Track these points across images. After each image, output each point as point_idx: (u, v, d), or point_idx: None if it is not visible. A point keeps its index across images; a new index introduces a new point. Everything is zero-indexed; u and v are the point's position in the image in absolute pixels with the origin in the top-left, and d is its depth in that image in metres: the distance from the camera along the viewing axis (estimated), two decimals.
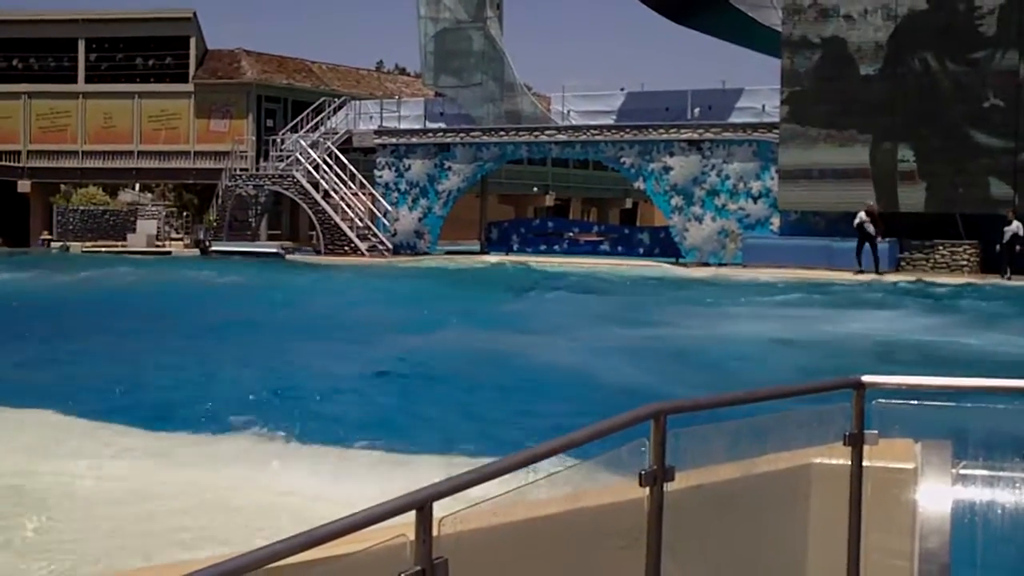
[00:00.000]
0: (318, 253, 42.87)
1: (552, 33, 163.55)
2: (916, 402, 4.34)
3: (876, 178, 34.45)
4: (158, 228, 48.52)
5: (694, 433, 3.67)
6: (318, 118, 45.54)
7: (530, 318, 23.36)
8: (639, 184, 39.73)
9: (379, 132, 43.63)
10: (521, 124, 41.01)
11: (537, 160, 50.68)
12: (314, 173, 43.23)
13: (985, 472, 4.21)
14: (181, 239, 49.62)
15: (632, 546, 3.50)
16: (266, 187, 45.05)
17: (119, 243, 47.33)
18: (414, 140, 42.90)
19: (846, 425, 4.27)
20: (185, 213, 52.43)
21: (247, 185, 45.37)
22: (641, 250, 40.61)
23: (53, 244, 48.58)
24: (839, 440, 4.28)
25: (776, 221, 36.62)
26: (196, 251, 45.07)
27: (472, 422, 12.62)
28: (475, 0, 41.85)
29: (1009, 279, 31.14)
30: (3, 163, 51.98)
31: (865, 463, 4.28)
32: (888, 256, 33.83)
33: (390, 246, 42.25)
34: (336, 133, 44.60)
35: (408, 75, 70.22)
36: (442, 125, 42.74)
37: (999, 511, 4.15)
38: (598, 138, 39.64)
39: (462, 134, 41.91)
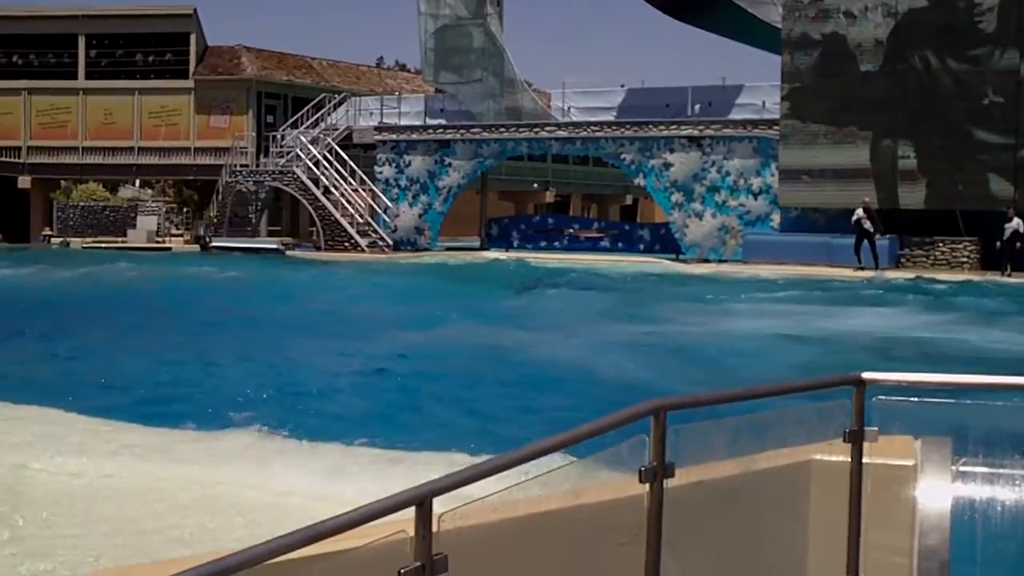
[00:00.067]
0: (318, 249, 42.86)
1: (552, 29, 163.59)
2: (916, 399, 4.35)
3: (876, 175, 34.46)
4: (158, 224, 48.53)
5: (694, 429, 3.67)
6: (318, 114, 45.53)
7: (531, 315, 23.36)
8: (639, 180, 39.72)
9: (379, 128, 43.62)
10: (521, 120, 41.01)
11: (537, 156, 50.66)
12: (314, 169, 43.22)
13: (985, 469, 4.21)
14: (181, 235, 49.65)
15: (632, 542, 3.50)
16: (266, 183, 45.03)
17: (119, 239, 47.34)
18: (414, 136, 42.90)
19: (846, 422, 4.27)
20: (185, 209, 52.45)
21: (247, 181, 45.35)
22: (641, 246, 40.62)
23: (53, 240, 48.58)
24: (839, 437, 4.28)
25: (776, 217, 36.62)
26: (196, 247, 45.09)
27: (473, 418, 12.63)
28: None
29: (1009, 276, 31.14)
30: (3, 159, 51.98)
31: (865, 460, 4.28)
32: (888, 253, 33.85)
33: (390, 242, 42.25)
34: (336, 129, 44.58)
35: (408, 71, 70.19)
36: (442, 121, 42.73)
37: (999, 508, 4.15)
38: (598, 134, 39.64)
39: (462, 130, 41.89)
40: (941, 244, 34.07)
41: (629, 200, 64.62)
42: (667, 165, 38.25)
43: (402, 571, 2.62)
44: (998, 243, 32.34)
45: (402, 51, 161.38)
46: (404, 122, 43.59)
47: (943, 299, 26.39)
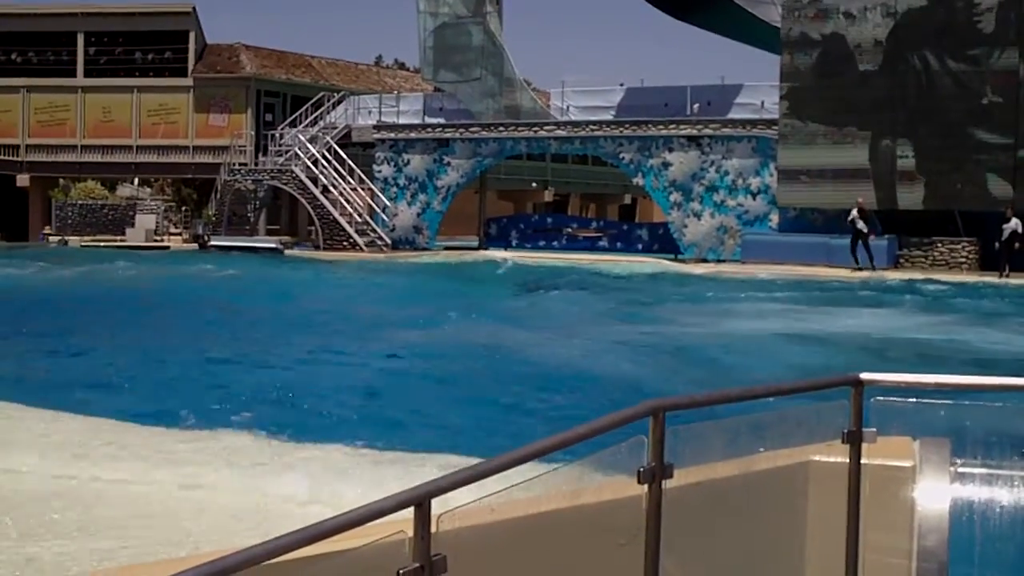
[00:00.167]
0: (317, 248, 42.85)
1: (551, 28, 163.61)
2: (915, 400, 4.34)
3: (875, 175, 34.47)
4: (157, 223, 48.52)
5: (693, 430, 3.67)
6: (317, 113, 45.52)
7: (531, 315, 23.37)
8: (638, 180, 39.72)
9: (378, 127, 43.62)
10: (520, 119, 41.01)
11: (536, 156, 50.68)
12: (313, 168, 43.20)
13: (983, 470, 4.21)
14: (180, 234, 49.63)
15: (631, 543, 3.50)
16: (265, 182, 45.02)
17: (118, 238, 47.34)
18: (413, 135, 42.89)
19: (844, 423, 4.27)
20: (184, 208, 52.46)
21: (246, 180, 45.34)
22: (640, 246, 40.62)
23: (51, 238, 48.58)
24: (837, 438, 4.27)
25: (775, 217, 36.63)
26: (195, 246, 45.07)
27: (471, 418, 12.63)
28: None
29: (1007, 277, 31.13)
30: (2, 157, 51.98)
31: (863, 461, 4.28)
32: (887, 253, 33.88)
33: (389, 241, 42.24)
34: (335, 128, 44.56)
35: (407, 70, 70.20)
36: (441, 120, 42.72)
37: (997, 509, 4.15)
38: (597, 134, 39.64)
39: (461, 129, 41.89)
40: (940, 245, 34.07)
41: (628, 200, 64.62)
42: (666, 164, 38.26)
43: (401, 572, 2.62)
44: (997, 244, 32.34)
45: (401, 50, 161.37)
46: (403, 121, 43.58)
47: (938, 300, 26.40)
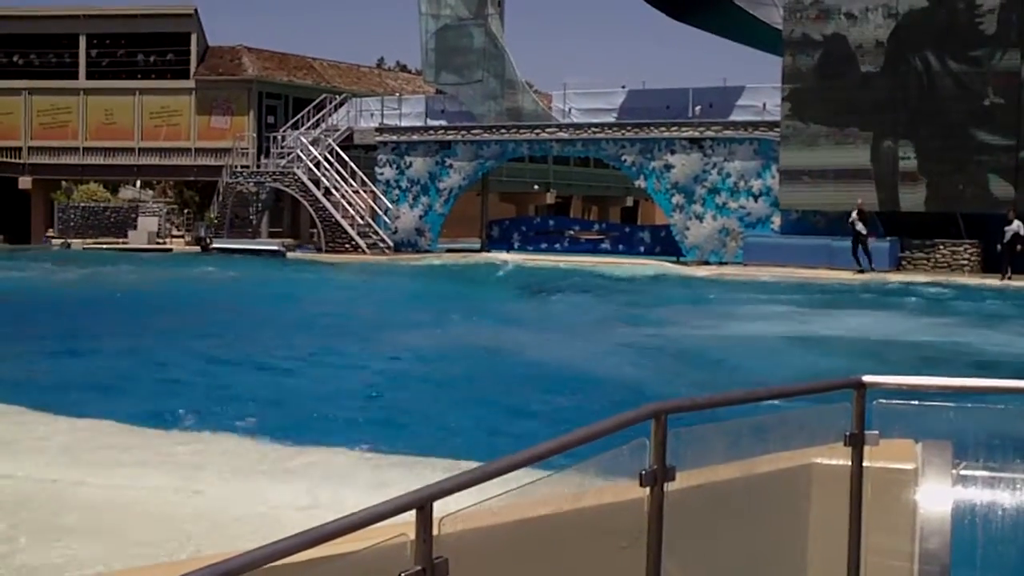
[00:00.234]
0: (319, 250, 42.86)
1: (553, 30, 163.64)
2: (917, 402, 4.34)
3: (877, 176, 34.46)
4: (159, 225, 48.51)
5: (695, 433, 3.67)
6: (319, 115, 45.54)
7: (533, 316, 23.38)
8: (640, 182, 39.72)
9: (380, 129, 43.62)
10: (522, 122, 41.00)
11: (538, 158, 50.67)
12: (315, 170, 43.22)
13: (986, 473, 4.20)
14: (182, 236, 49.63)
15: (633, 546, 3.50)
16: (267, 184, 45.03)
17: (120, 240, 47.35)
18: (415, 137, 42.90)
19: (847, 425, 4.27)
20: (186, 210, 52.45)
21: (248, 182, 45.36)
22: (642, 248, 40.61)
23: (54, 241, 48.59)
24: (840, 440, 4.27)
25: (777, 220, 36.62)
26: (197, 248, 45.08)
27: (474, 421, 12.62)
28: None
29: (1009, 279, 31.11)
30: (4, 159, 51.97)
31: (866, 463, 4.27)
32: (889, 255, 33.87)
33: (391, 244, 42.25)
34: (337, 130, 44.59)
35: (409, 72, 70.21)
36: (443, 122, 42.73)
37: (1000, 512, 4.15)
38: (599, 136, 39.63)
39: (463, 131, 41.90)
40: (942, 247, 34.05)
41: (630, 202, 64.62)
42: (668, 167, 38.25)
43: (403, 575, 2.61)
44: (999, 246, 32.31)
45: (403, 52, 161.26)
46: (405, 123, 43.59)
47: (939, 303, 26.38)
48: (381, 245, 42.06)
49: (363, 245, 41.82)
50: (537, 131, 40.66)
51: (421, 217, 42.71)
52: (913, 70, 34.07)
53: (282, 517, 7.97)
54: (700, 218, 37.74)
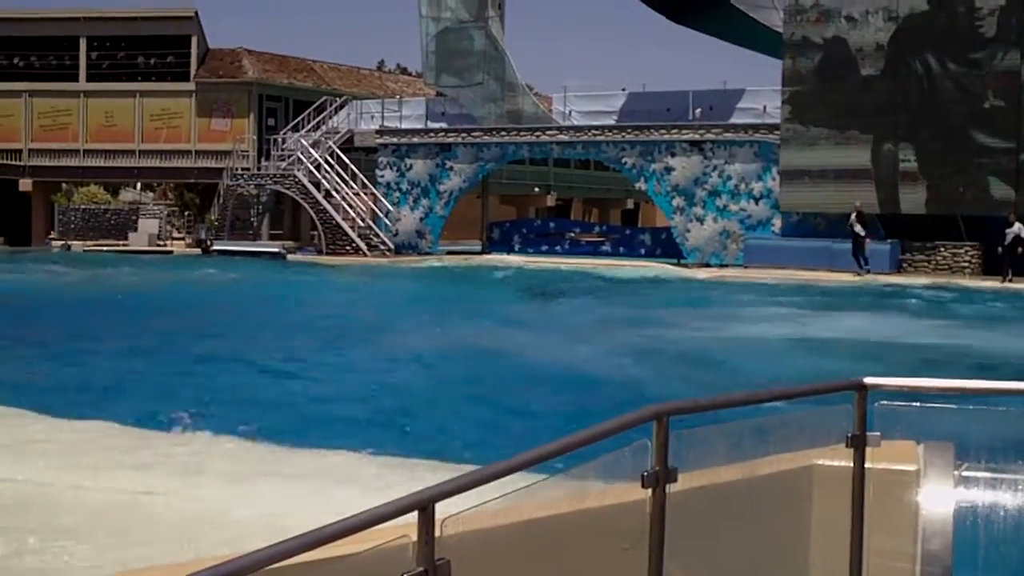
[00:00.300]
0: (319, 253, 42.87)
1: (553, 33, 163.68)
2: (918, 404, 4.34)
3: (877, 179, 34.47)
4: (160, 227, 48.53)
5: (697, 434, 3.67)
6: (319, 117, 45.55)
7: (534, 318, 23.37)
8: (640, 185, 39.73)
9: (380, 132, 43.64)
10: (522, 124, 41.01)
11: (539, 160, 50.69)
12: (315, 173, 43.23)
13: (987, 474, 4.20)
14: (182, 238, 49.62)
15: (634, 547, 3.49)
16: (267, 186, 45.05)
17: (120, 242, 47.35)
18: (415, 140, 42.92)
19: (848, 427, 4.26)
20: (187, 212, 52.43)
21: (248, 184, 45.37)
22: (642, 251, 40.63)
23: (54, 243, 48.58)
24: (841, 442, 4.27)
25: (777, 222, 36.62)
26: (197, 251, 45.08)
27: (475, 423, 12.62)
28: (476, 0, 41.87)
29: (1010, 281, 31.12)
30: (4, 162, 51.98)
31: (867, 465, 4.27)
32: (889, 258, 33.88)
33: (391, 246, 42.25)
34: (337, 132, 44.61)
35: (409, 75, 70.24)
36: (443, 125, 42.74)
37: (1001, 513, 4.14)
38: (599, 138, 39.64)
39: (463, 134, 41.91)
40: (942, 249, 34.05)
41: (631, 204, 64.61)
42: (668, 169, 38.26)
43: None
44: (999, 248, 32.32)
45: (403, 54, 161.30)
46: (405, 125, 43.61)
47: (940, 306, 26.39)
48: (382, 247, 42.07)
49: (364, 247, 41.83)
50: (537, 133, 40.67)
51: (422, 219, 42.72)
52: (913, 73, 34.08)
53: (282, 520, 7.96)
54: (701, 220, 37.75)
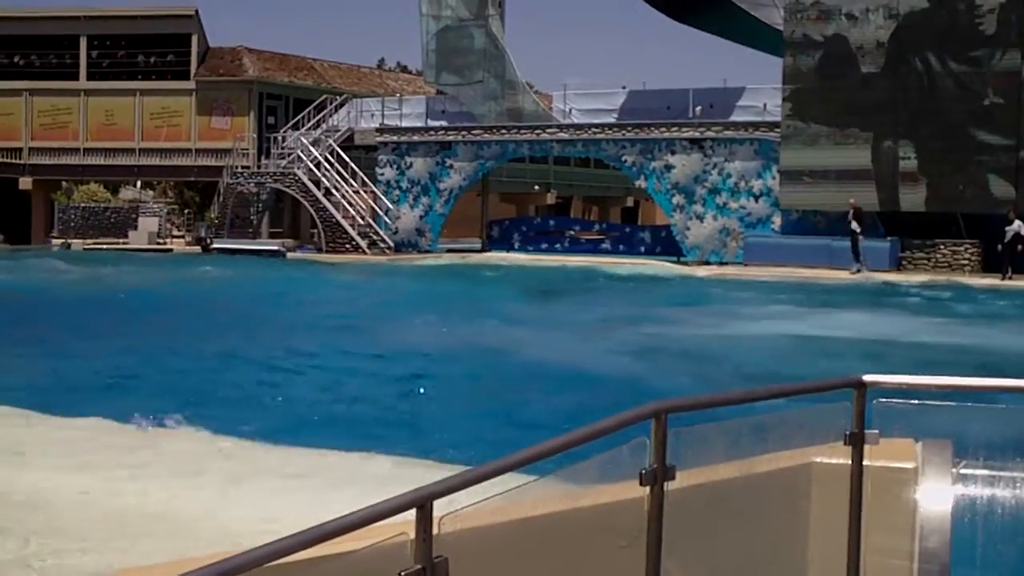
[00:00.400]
0: (319, 251, 42.87)
1: (554, 31, 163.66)
2: (917, 401, 4.34)
3: (877, 177, 34.48)
4: (159, 226, 48.51)
5: (695, 432, 3.67)
6: (320, 116, 45.55)
7: (534, 316, 23.37)
8: (641, 182, 39.73)
9: (380, 130, 43.64)
10: (522, 122, 41.01)
11: (539, 158, 50.66)
12: (315, 171, 43.23)
13: (986, 472, 4.20)
14: (182, 236, 49.62)
15: (632, 545, 3.49)
16: (267, 185, 45.05)
17: (120, 240, 47.34)
18: (415, 138, 42.91)
19: (847, 424, 4.27)
20: (187, 210, 52.44)
21: (248, 183, 45.36)
22: (642, 249, 40.64)
23: (54, 241, 48.56)
24: (840, 439, 4.27)
25: (777, 220, 36.63)
26: (197, 249, 45.07)
27: (472, 423, 12.62)
28: None
29: (1010, 279, 31.13)
30: (5, 160, 51.98)
31: (866, 462, 4.27)
32: (889, 255, 33.90)
33: (391, 244, 42.26)
34: (338, 131, 44.61)
35: (410, 73, 70.20)
36: (443, 123, 42.74)
37: (1000, 511, 4.14)
38: (600, 136, 39.64)
39: (463, 132, 41.91)
40: (942, 247, 34.07)
41: (630, 202, 64.60)
42: (668, 167, 38.26)
43: (402, 573, 2.61)
44: (999, 246, 32.33)
45: (403, 52, 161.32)
46: (405, 124, 43.61)
47: (940, 303, 26.40)
48: (381, 245, 42.07)
49: (363, 245, 41.83)
50: (537, 131, 40.67)
51: (421, 217, 42.72)
52: (913, 70, 34.09)
53: (280, 520, 7.96)
54: (700, 218, 37.75)
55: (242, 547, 2.35)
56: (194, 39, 51.24)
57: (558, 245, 41.83)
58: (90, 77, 51.96)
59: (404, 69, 79.48)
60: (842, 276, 32.16)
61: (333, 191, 42.79)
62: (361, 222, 42.63)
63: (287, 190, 44.55)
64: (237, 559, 2.28)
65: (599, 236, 42.64)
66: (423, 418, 12.83)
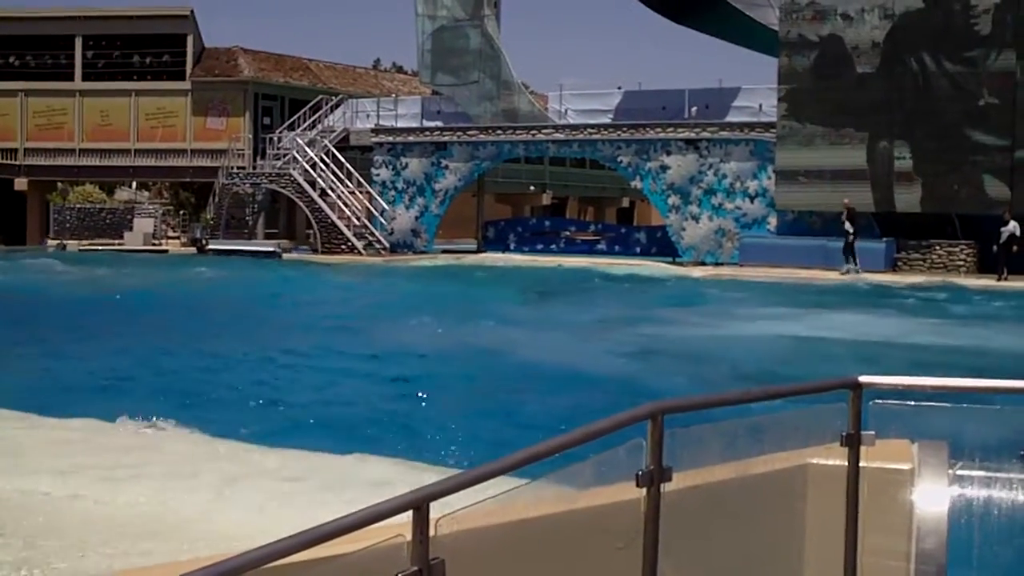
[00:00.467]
0: (315, 252, 42.85)
1: (549, 31, 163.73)
2: (913, 403, 4.34)
3: (873, 177, 34.50)
4: (155, 226, 48.45)
5: (691, 433, 3.67)
6: (315, 116, 45.52)
7: (530, 317, 23.37)
8: (636, 183, 39.74)
9: (376, 130, 43.62)
10: (518, 123, 41.01)
11: (534, 159, 50.65)
12: (311, 171, 43.20)
13: (982, 473, 4.20)
14: (178, 237, 49.56)
15: (629, 547, 3.49)
16: (263, 185, 45.01)
17: (116, 241, 47.28)
18: (411, 138, 42.90)
19: (843, 426, 4.27)
20: (182, 211, 52.41)
21: (244, 183, 45.34)
22: (638, 249, 40.64)
23: (49, 242, 48.49)
24: (836, 441, 4.27)
25: (773, 220, 36.65)
26: (193, 249, 45.03)
27: (473, 423, 12.62)
28: None
29: (1006, 279, 31.16)
30: (0, 161, 51.91)
31: (862, 464, 4.27)
32: (885, 256, 33.93)
33: (387, 245, 42.24)
34: (333, 131, 44.58)
35: (405, 73, 70.21)
36: (439, 123, 42.73)
37: (995, 512, 4.15)
38: (595, 137, 39.63)
39: (459, 132, 41.90)
40: (938, 247, 34.09)
41: (626, 203, 64.60)
42: (664, 168, 38.26)
43: (399, 575, 2.61)
44: (995, 247, 32.34)
45: (399, 53, 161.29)
46: (401, 124, 43.60)
47: (936, 304, 26.41)
48: (377, 246, 42.05)
49: (359, 246, 41.81)
50: (533, 132, 40.66)
51: (417, 218, 42.71)
52: (909, 71, 34.11)
53: (275, 523, 7.95)
54: (696, 219, 37.76)
55: (237, 550, 2.34)
56: (190, 39, 51.21)
57: (554, 246, 41.83)
58: (85, 77, 51.92)
59: (400, 69, 79.52)
60: (846, 277, 32.23)
61: (329, 192, 42.77)
62: (357, 223, 42.62)
63: (283, 191, 44.53)
64: (234, 561, 2.28)
65: (595, 237, 42.65)
66: (419, 420, 12.82)
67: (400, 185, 42.93)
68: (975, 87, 33.21)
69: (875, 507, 4.27)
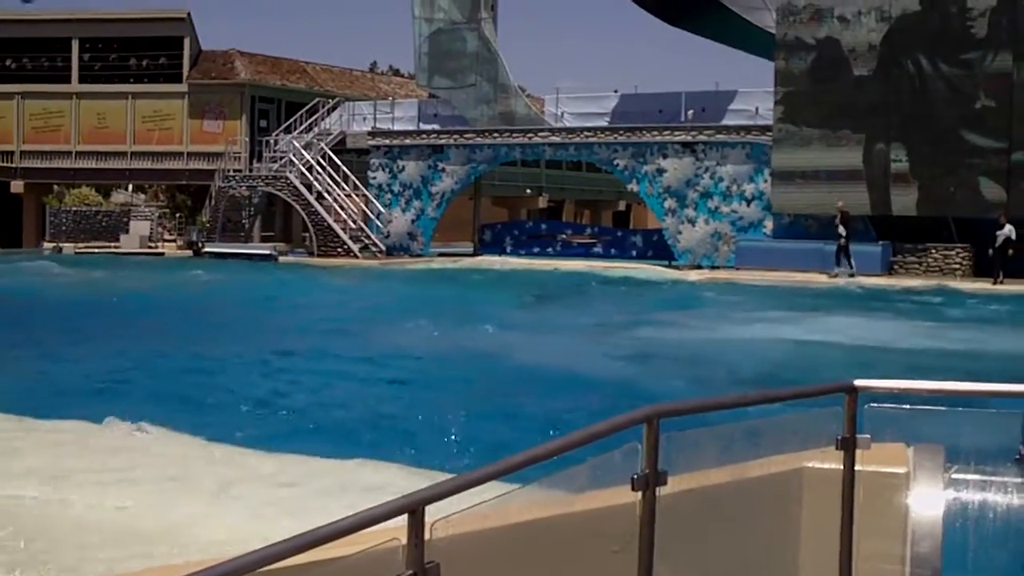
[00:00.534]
0: (311, 255, 42.82)
1: (546, 35, 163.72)
2: (908, 406, 4.35)
3: (869, 179, 34.51)
4: (151, 229, 48.39)
5: (687, 437, 3.67)
6: (312, 119, 45.49)
7: (526, 320, 23.37)
8: (632, 186, 39.74)
9: (373, 133, 43.61)
10: (515, 126, 41.00)
11: (531, 162, 50.65)
12: (307, 174, 43.17)
13: (977, 476, 4.21)
14: (174, 240, 49.49)
15: (624, 550, 3.49)
16: (259, 188, 44.98)
17: (112, 244, 47.21)
18: (408, 141, 42.89)
19: (838, 429, 4.27)
20: (178, 214, 52.35)
21: (240, 186, 45.30)
22: (634, 252, 40.64)
23: (46, 245, 48.41)
24: (832, 444, 4.27)
25: (769, 224, 36.65)
26: (189, 252, 44.98)
27: (470, 426, 12.61)
28: (469, 1, 41.86)
29: (1001, 283, 31.18)
30: None
31: (857, 467, 4.28)
32: (881, 259, 33.94)
33: (383, 248, 42.21)
34: (330, 134, 44.55)
35: (402, 76, 70.20)
36: (436, 126, 42.72)
37: (991, 515, 4.15)
38: (592, 140, 39.64)
39: (456, 135, 41.89)
40: (934, 251, 34.10)
41: (622, 206, 64.64)
42: (660, 171, 38.27)
43: None
44: (990, 250, 32.34)
45: (396, 56, 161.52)
46: (398, 127, 43.59)
47: (932, 307, 26.43)
48: (373, 249, 42.02)
49: (355, 249, 41.77)
50: (530, 135, 40.66)
51: (413, 221, 42.69)
52: (905, 73, 34.13)
53: (270, 527, 7.95)
54: (692, 222, 37.76)
55: (232, 553, 2.34)
56: (186, 42, 51.17)
57: (550, 249, 41.83)
58: (82, 80, 51.88)
59: (396, 72, 79.48)
60: (836, 281, 32.22)
61: (325, 195, 42.74)
62: (353, 226, 42.58)
63: (279, 194, 44.49)
64: (229, 564, 2.28)
65: (591, 240, 42.65)
66: (415, 423, 12.81)
67: (396, 188, 42.91)
68: (971, 89, 33.24)
69: (871, 511, 4.28)
